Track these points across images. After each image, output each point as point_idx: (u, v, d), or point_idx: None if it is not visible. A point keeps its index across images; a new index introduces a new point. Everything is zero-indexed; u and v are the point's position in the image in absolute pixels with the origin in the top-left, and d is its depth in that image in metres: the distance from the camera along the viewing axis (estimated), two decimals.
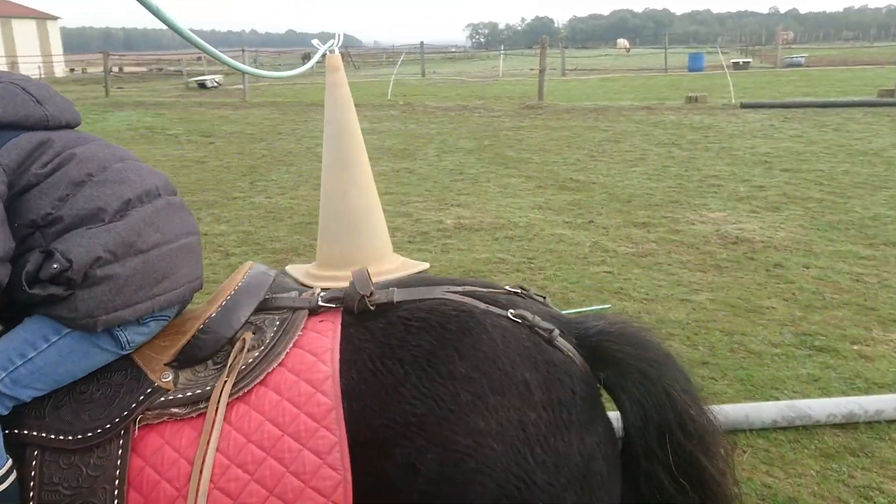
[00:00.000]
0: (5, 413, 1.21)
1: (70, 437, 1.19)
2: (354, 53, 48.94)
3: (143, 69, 43.42)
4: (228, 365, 1.25)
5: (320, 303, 1.36)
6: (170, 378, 1.26)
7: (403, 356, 1.22)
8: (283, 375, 1.23)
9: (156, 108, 18.50)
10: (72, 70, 50.15)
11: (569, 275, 5.12)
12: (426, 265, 2.67)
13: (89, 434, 1.19)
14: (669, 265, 5.29)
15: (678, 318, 4.27)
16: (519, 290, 1.39)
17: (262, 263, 1.55)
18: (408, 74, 31.80)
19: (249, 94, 21.12)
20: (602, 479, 1.19)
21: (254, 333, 1.32)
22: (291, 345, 1.28)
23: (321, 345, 1.25)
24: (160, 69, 42.51)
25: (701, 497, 1.25)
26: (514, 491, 1.13)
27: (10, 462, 1.17)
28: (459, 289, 1.35)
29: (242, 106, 18.39)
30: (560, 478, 1.15)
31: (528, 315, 1.28)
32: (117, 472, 1.17)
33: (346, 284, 2.40)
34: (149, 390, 1.24)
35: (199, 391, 1.23)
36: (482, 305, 1.30)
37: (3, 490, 1.15)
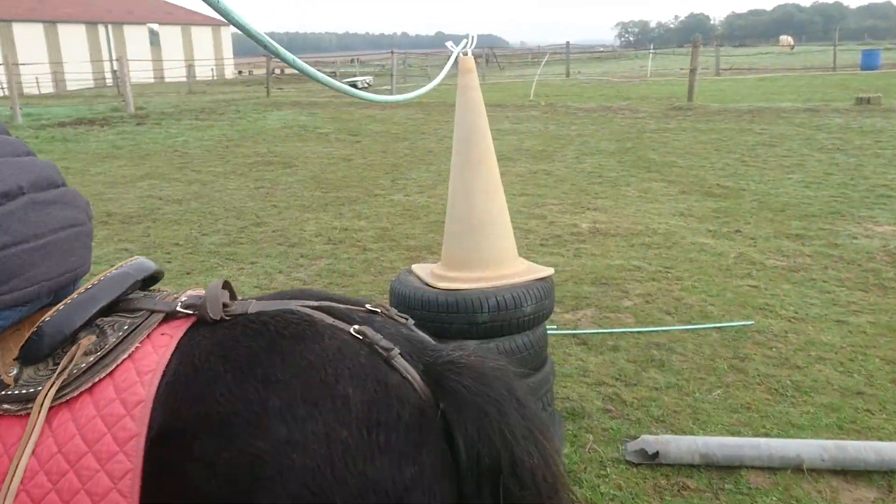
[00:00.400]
0: None
1: None
2: (500, 54, 49.24)
3: None
4: (59, 368, 1.21)
5: (178, 308, 1.29)
6: (13, 373, 1.25)
7: (228, 355, 1.17)
8: (107, 391, 1.19)
9: (309, 108, 19.59)
10: (240, 72, 54.30)
11: (709, 287, 4.84)
12: (551, 270, 2.61)
13: None
14: (825, 282, 4.85)
15: (831, 340, 3.90)
16: (379, 310, 1.30)
17: (149, 259, 1.50)
18: (552, 75, 31.51)
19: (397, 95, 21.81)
20: None
21: (97, 336, 1.27)
22: (126, 356, 1.23)
23: (148, 363, 1.20)
24: None
25: None
26: None
27: None
28: (315, 303, 1.28)
29: (389, 106, 19.05)
30: (363, 502, 1.06)
31: (370, 332, 1.20)
32: None
33: (467, 285, 2.44)
34: None
35: (31, 390, 1.21)
36: (329, 319, 1.24)
37: None
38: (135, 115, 18.07)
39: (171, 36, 53.58)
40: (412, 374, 1.17)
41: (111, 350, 1.23)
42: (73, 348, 1.24)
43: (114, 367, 1.21)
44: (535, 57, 48.52)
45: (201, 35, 56.26)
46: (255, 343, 1.18)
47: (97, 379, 1.20)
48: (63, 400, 1.19)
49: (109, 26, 48.10)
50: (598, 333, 4.13)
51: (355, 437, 1.09)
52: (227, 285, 1.35)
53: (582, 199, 7.75)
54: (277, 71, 36.71)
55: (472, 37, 2.63)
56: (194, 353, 1.19)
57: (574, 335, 4.12)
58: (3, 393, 1.22)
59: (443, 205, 7.36)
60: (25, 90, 31.40)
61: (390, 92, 22.31)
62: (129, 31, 49.55)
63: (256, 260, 5.83)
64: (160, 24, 52.96)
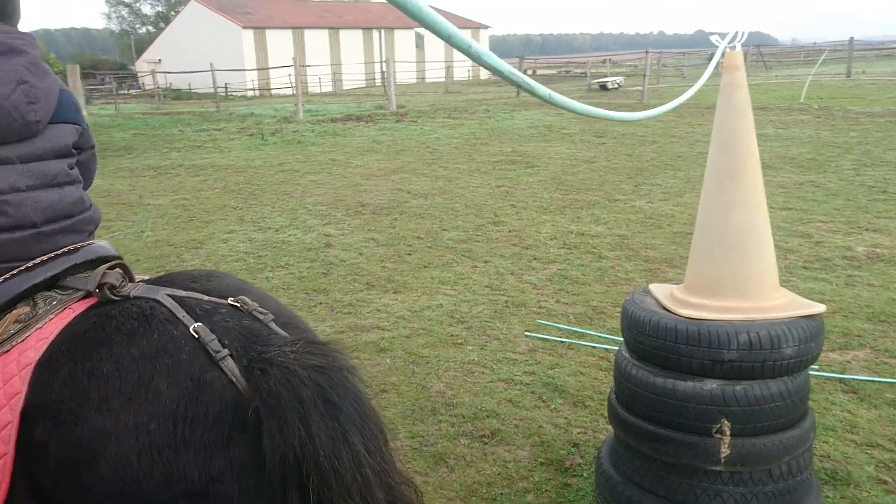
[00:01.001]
0: None
1: None
2: (766, 53, 45.01)
3: (553, 71, 46.43)
4: None
5: (92, 288, 1.38)
6: None
7: (71, 346, 1.26)
8: (6, 366, 1.27)
9: (556, 108, 19.55)
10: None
11: None
12: (822, 308, 2.18)
13: None
14: None
15: None
16: (238, 304, 1.34)
17: (109, 244, 1.60)
18: (828, 75, 28.03)
19: (647, 96, 20.96)
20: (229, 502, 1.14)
21: (29, 308, 1.37)
22: (29, 332, 1.31)
23: (32, 348, 1.28)
24: (567, 71, 44.95)
25: None
26: (118, 492, 1.13)
27: None
28: (182, 293, 1.34)
29: (639, 107, 18.33)
30: (169, 490, 1.12)
31: (204, 331, 1.24)
32: None
33: (714, 315, 2.12)
34: None
35: None
36: (179, 313, 1.28)
37: None
38: (395, 113, 19.49)
39: (433, 39, 57.21)
40: (235, 372, 1.20)
41: (27, 325, 1.34)
42: (7, 315, 1.35)
43: (15, 344, 1.30)
44: (810, 55, 43.55)
45: None
46: (100, 335, 1.27)
47: (3, 351, 1.30)
48: None
49: (382, 31, 52.67)
50: (873, 382, 3.47)
51: (163, 430, 1.15)
52: (123, 267, 1.47)
53: (859, 217, 6.69)
54: (529, 72, 37.40)
55: (742, 32, 2.29)
56: (59, 338, 1.29)
57: (841, 380, 3.51)
58: None
59: (690, 215, 6.80)
60: (309, 89, 35.59)
61: (641, 93, 21.46)
62: (398, 35, 53.80)
63: (490, 259, 5.87)
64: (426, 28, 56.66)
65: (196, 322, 1.27)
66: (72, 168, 1.62)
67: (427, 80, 47.12)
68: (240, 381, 1.20)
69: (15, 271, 1.41)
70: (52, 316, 1.36)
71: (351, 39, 50.49)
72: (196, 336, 1.24)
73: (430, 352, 4.06)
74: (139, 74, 46.77)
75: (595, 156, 11.26)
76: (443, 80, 38.88)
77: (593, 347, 4.04)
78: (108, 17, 78.68)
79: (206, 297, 1.35)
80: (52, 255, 1.47)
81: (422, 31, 56.30)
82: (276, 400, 1.14)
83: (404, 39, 54.28)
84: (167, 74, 36.92)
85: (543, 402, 3.42)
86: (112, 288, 1.37)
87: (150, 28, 69.15)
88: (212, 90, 27.02)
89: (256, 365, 1.20)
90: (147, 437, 1.15)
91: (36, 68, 1.51)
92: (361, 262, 5.92)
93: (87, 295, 1.41)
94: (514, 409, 3.36)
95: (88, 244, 1.56)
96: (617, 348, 2.53)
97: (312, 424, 1.13)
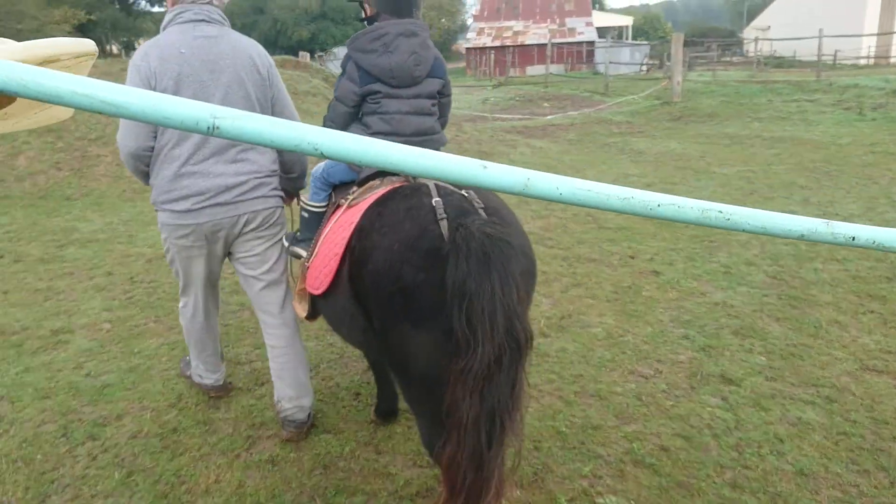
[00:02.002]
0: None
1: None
2: None
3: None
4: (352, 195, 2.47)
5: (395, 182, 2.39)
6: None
7: (381, 201, 2.25)
8: (359, 208, 2.29)
9: None
10: None
11: None
12: None
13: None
14: None
15: None
16: (465, 194, 2.10)
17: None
18: None
19: None
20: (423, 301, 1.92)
21: (378, 181, 2.45)
22: (371, 193, 2.34)
23: (370, 199, 2.29)
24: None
25: None
26: (371, 279, 2.06)
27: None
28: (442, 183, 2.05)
29: None
30: (393, 283, 1.97)
31: (439, 204, 2.02)
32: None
33: None
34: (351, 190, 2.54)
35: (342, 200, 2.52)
36: (433, 192, 2.11)
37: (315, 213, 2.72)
38: None
39: None
40: (444, 228, 1.89)
41: (375, 188, 2.35)
42: (371, 182, 2.44)
43: (370, 194, 2.31)
44: None
45: None
46: (391, 196, 2.18)
47: (364, 198, 2.32)
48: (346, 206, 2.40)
49: None
50: None
51: (399, 249, 1.94)
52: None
53: None
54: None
55: None
56: (380, 197, 2.21)
57: None
58: (348, 196, 2.48)
59: None
60: None
61: None
62: None
63: None
64: None
65: (437, 198, 2.02)
66: (433, 106, 2.62)
67: None
68: (445, 233, 1.89)
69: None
70: (384, 187, 2.31)
71: None
72: (434, 205, 1.99)
73: None
74: (744, 41, 46.46)
75: None
76: None
77: None
78: None
79: (450, 186, 2.09)
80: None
81: None
82: (457, 246, 1.78)
83: None
84: (772, 41, 35.68)
85: None
86: (407, 178, 2.33)
87: None
88: (816, 58, 24.98)
89: (456, 226, 1.85)
90: (391, 252, 1.97)
91: (423, 44, 2.53)
92: None
93: (406, 179, 2.34)
94: None
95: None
96: None
97: (471, 264, 1.73)
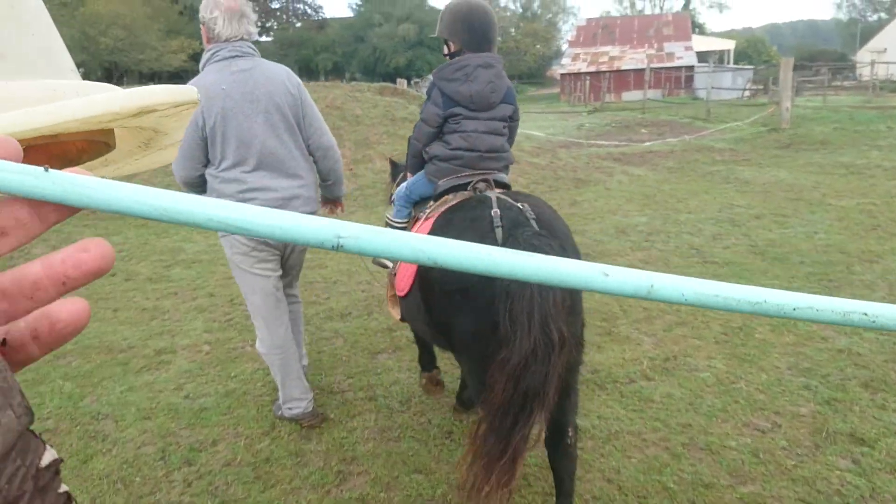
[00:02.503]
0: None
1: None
2: None
3: None
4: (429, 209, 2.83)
5: (470, 189, 2.77)
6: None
7: (451, 209, 2.58)
8: (436, 212, 2.66)
9: None
10: None
11: None
12: None
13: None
14: None
15: None
16: (522, 208, 2.34)
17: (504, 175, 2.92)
18: None
19: None
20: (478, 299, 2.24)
21: (451, 194, 2.80)
22: (447, 205, 2.66)
23: (445, 207, 2.63)
24: None
25: None
26: (437, 276, 2.39)
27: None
28: (502, 195, 2.49)
29: None
30: (455, 283, 2.31)
31: (496, 215, 2.31)
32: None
33: None
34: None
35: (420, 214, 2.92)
36: (494, 204, 2.37)
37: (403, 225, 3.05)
38: None
39: None
40: (499, 236, 2.18)
41: (449, 199, 2.67)
42: (457, 194, 2.71)
43: (444, 206, 2.61)
44: None
45: None
46: (459, 206, 2.49)
47: (445, 206, 2.59)
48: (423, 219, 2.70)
49: None
50: None
51: None
52: (502, 185, 2.81)
53: None
54: None
55: None
56: (451, 206, 2.54)
57: None
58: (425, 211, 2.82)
59: None
60: None
61: None
62: None
63: None
64: None
65: (496, 209, 2.27)
66: (504, 128, 2.93)
67: None
68: (500, 241, 2.15)
69: (466, 172, 2.81)
70: (455, 200, 2.61)
71: None
72: (493, 215, 2.25)
73: None
74: (857, 65, 43.98)
75: None
76: None
77: None
78: (839, 6, 76.02)
79: (510, 200, 2.35)
80: (481, 172, 2.80)
81: None
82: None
83: None
84: (889, 65, 33.58)
85: None
86: (477, 189, 2.67)
87: (883, 15, 63.81)
88: None
89: (507, 235, 2.15)
90: None
91: (498, 74, 2.86)
92: None
93: (475, 191, 2.69)
94: None
95: (479, 177, 2.77)
96: None
97: (526, 287, 1.95)
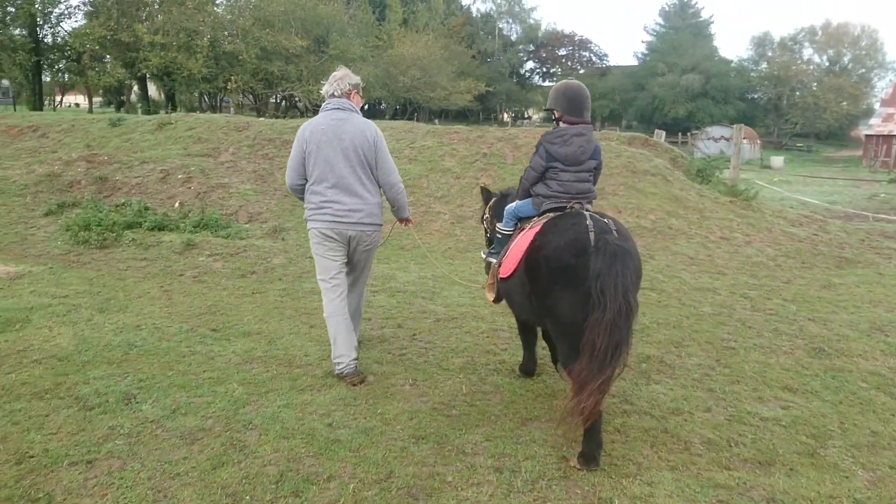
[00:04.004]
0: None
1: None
2: None
3: None
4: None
5: (569, 208, 3.86)
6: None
7: (552, 221, 3.73)
8: (536, 227, 3.78)
9: None
10: None
11: None
12: None
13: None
14: None
15: None
16: (608, 222, 3.52)
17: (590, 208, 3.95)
18: None
19: None
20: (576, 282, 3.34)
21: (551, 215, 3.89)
22: (542, 220, 3.86)
23: (542, 222, 3.82)
24: None
25: None
26: (541, 262, 3.58)
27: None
28: (595, 213, 3.69)
29: None
30: (558, 266, 3.44)
31: (590, 223, 3.45)
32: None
33: None
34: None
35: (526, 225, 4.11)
36: (587, 217, 3.52)
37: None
38: None
39: None
40: (592, 238, 3.30)
41: (544, 221, 3.82)
42: (548, 215, 3.87)
43: (543, 219, 3.83)
44: None
45: None
46: (560, 219, 3.65)
47: (544, 220, 3.79)
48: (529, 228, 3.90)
49: None
50: None
51: (562, 247, 3.41)
52: (582, 206, 3.85)
53: None
54: None
55: None
56: (550, 220, 3.72)
57: None
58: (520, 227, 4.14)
59: None
60: None
61: None
62: None
63: None
64: None
65: (590, 221, 3.42)
66: (590, 175, 3.96)
67: None
68: (591, 241, 3.30)
69: (552, 202, 3.91)
70: (550, 214, 3.80)
71: None
72: (587, 224, 3.39)
73: None
74: None
75: None
76: None
77: None
78: None
79: (598, 216, 3.51)
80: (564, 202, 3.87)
81: None
82: (598, 249, 3.24)
83: None
84: None
85: None
86: (572, 209, 3.76)
87: None
88: None
89: (598, 238, 3.30)
90: (559, 246, 3.43)
91: (588, 140, 3.87)
92: None
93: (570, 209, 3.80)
94: None
95: (583, 206, 3.84)
96: None
97: (606, 260, 3.18)
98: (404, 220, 4.92)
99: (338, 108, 4.48)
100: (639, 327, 5.66)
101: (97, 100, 52.34)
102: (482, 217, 5.05)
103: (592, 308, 3.12)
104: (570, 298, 3.33)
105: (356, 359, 4.42)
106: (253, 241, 8.34)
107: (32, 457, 3.30)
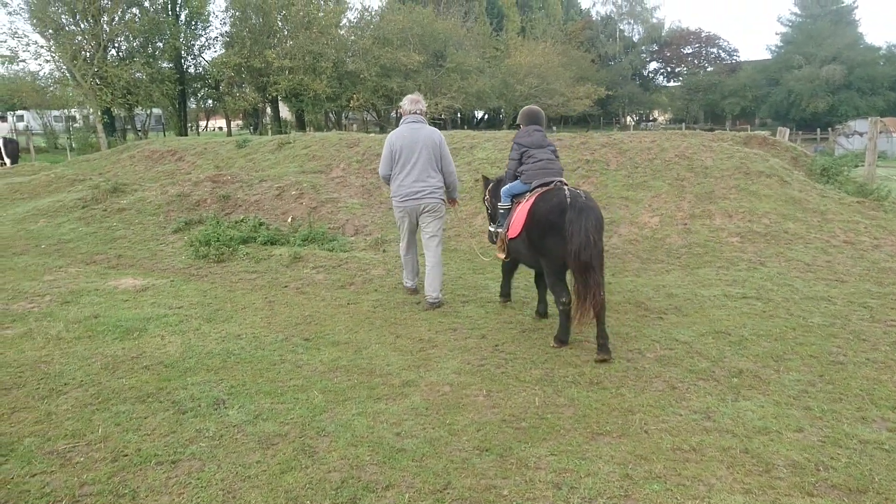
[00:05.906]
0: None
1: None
2: None
3: None
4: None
5: (551, 185, 5.66)
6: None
7: (540, 197, 5.50)
8: (530, 202, 5.55)
9: None
10: None
11: None
12: None
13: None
14: None
15: None
16: (581, 193, 5.28)
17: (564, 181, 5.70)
18: None
19: None
20: (558, 231, 5.19)
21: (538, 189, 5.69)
22: (534, 194, 5.58)
23: (535, 195, 5.56)
24: None
25: None
26: (534, 225, 5.43)
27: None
28: (573, 187, 6.01)
29: None
30: (545, 222, 5.27)
31: (567, 192, 5.30)
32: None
33: None
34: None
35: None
36: (567, 190, 5.42)
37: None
38: None
39: None
40: (568, 200, 5.12)
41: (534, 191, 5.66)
42: (536, 191, 5.63)
43: (535, 194, 5.57)
44: None
45: None
46: (545, 195, 5.40)
47: (534, 196, 5.57)
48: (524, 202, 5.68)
49: None
50: None
51: (547, 210, 5.26)
52: (563, 183, 5.65)
53: None
54: None
55: None
56: (538, 195, 5.46)
57: None
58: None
59: None
60: None
61: None
62: None
63: None
64: None
65: (567, 192, 5.22)
66: (556, 158, 5.95)
67: None
68: (568, 202, 5.11)
69: (548, 179, 5.68)
70: (545, 189, 5.52)
71: None
72: (566, 194, 5.20)
73: None
74: None
75: None
76: None
77: None
78: None
79: (574, 189, 5.34)
80: (549, 179, 5.67)
81: None
82: (571, 206, 5.07)
83: None
84: None
85: None
86: (553, 185, 5.56)
87: None
88: None
89: (572, 201, 5.10)
90: (547, 210, 5.25)
91: (542, 134, 6.02)
92: None
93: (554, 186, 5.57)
94: None
95: (558, 179, 5.68)
96: None
97: (575, 213, 5.02)
98: (453, 201, 7.00)
99: (415, 122, 6.63)
100: (735, 339, 5.35)
101: (238, 123, 56.27)
102: (483, 198, 6.99)
103: (568, 242, 4.96)
104: (555, 240, 5.11)
105: (415, 282, 7.02)
106: (356, 253, 8.65)
107: (126, 455, 3.63)
